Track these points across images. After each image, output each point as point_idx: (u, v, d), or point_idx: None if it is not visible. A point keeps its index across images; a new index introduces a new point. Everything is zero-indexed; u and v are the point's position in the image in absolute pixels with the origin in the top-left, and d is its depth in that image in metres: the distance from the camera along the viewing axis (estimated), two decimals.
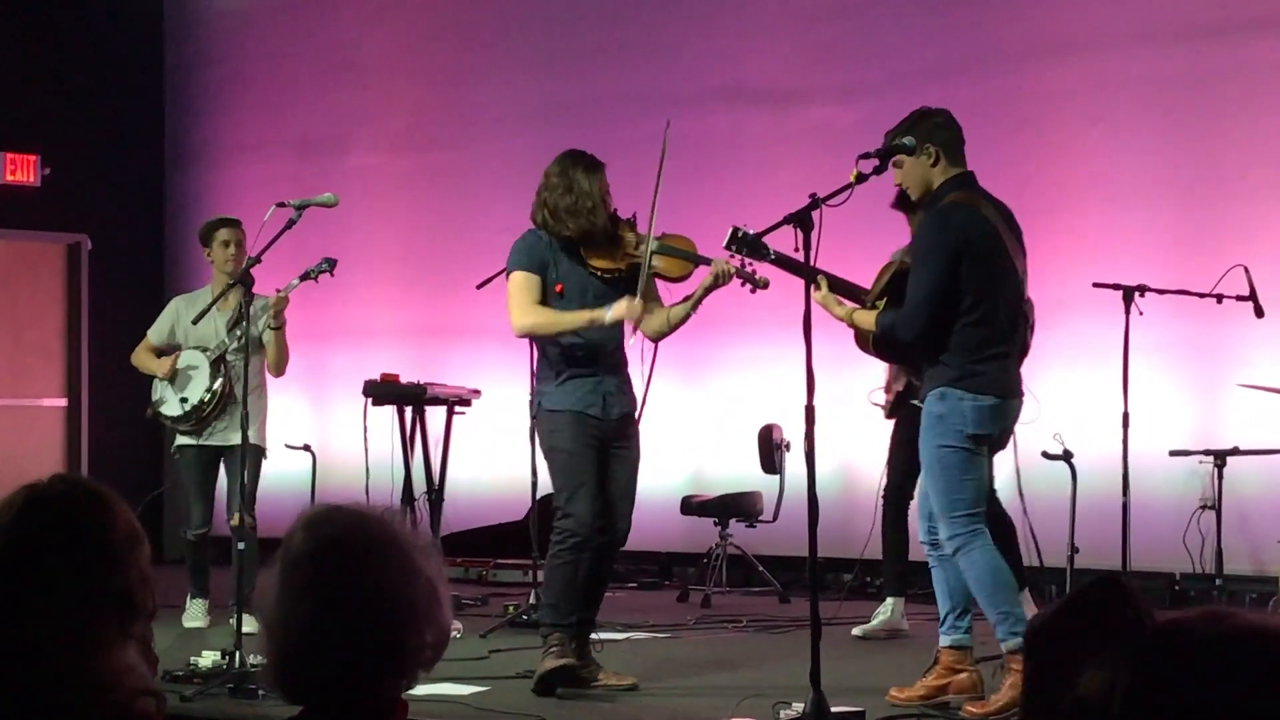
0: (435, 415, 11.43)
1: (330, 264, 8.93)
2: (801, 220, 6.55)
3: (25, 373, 13.91)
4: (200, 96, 14.82)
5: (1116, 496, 8.46)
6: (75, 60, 14.31)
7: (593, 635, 8.34)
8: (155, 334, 9.81)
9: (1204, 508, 9.64)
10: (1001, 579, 6.85)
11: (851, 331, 7.18)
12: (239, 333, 8.93)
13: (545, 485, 10.75)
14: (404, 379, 11.27)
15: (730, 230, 7.01)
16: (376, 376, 11.23)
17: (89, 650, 2.75)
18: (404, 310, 13.49)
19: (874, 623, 9.10)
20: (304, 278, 8.91)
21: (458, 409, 11.39)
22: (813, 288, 6.79)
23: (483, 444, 12.25)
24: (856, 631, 9.05)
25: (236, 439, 8.63)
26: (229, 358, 9.32)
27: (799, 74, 11.90)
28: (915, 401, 7.76)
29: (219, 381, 9.32)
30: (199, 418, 9.42)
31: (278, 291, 9.15)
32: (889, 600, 9.17)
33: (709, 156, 11.79)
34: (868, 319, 6.90)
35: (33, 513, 2.83)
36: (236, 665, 7.33)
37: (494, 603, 10.24)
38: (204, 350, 9.49)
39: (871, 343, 6.99)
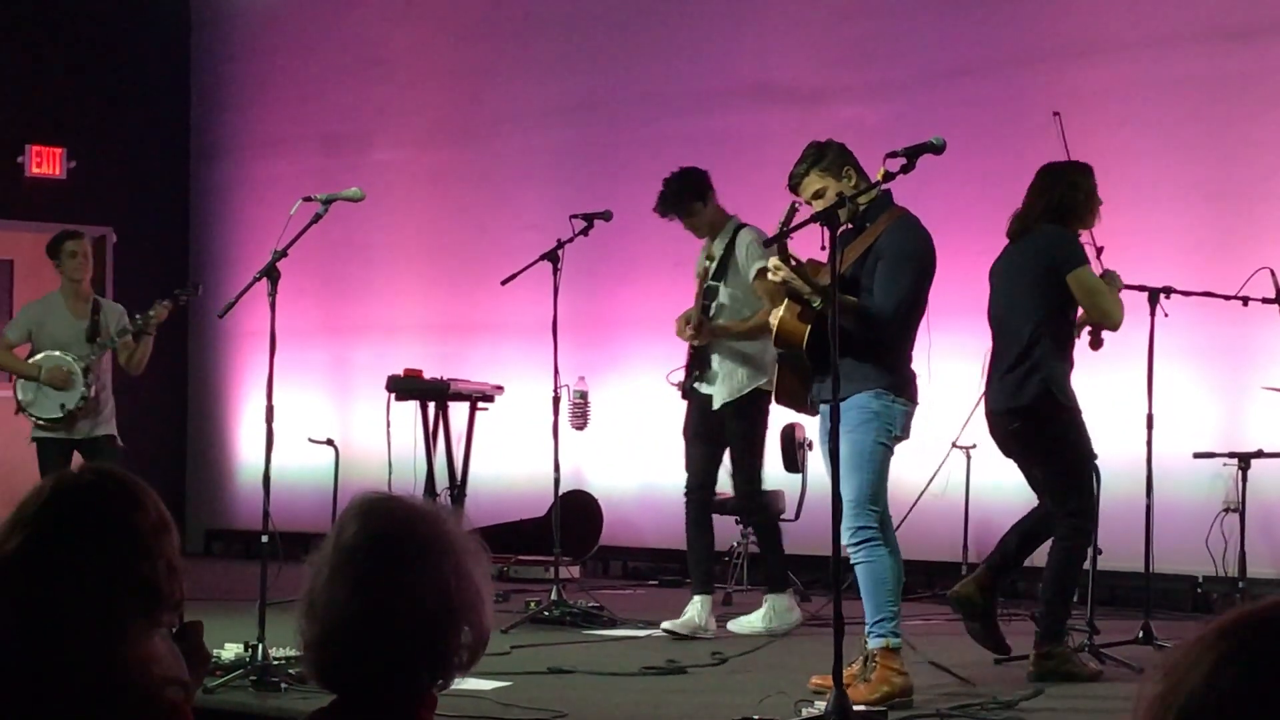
0: (458, 411, 11.42)
1: (196, 288, 10.23)
2: (829, 218, 6.57)
3: None
4: (226, 91, 14.84)
5: (1140, 498, 8.45)
6: (102, 54, 14.32)
7: (616, 633, 8.37)
8: (15, 335, 10.34)
9: (1227, 510, 9.61)
10: (898, 580, 7.02)
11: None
12: (101, 341, 10.00)
13: (568, 481, 10.77)
14: (427, 374, 11.28)
15: (790, 205, 6.96)
16: (400, 372, 11.23)
17: (115, 639, 2.75)
18: (428, 306, 13.49)
19: (683, 620, 9.05)
20: (174, 300, 9.93)
21: (480, 405, 11.38)
22: (779, 257, 6.79)
23: (505, 440, 12.24)
24: (666, 625, 9.02)
25: (99, 432, 10.07)
26: (92, 361, 10.08)
27: (825, 73, 11.88)
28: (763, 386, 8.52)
29: (91, 388, 10.06)
30: (71, 420, 10.08)
31: (159, 303, 9.87)
32: (697, 599, 9.12)
33: (734, 155, 11.77)
34: (849, 299, 6.84)
35: (59, 502, 2.83)
36: (260, 658, 7.32)
37: (516, 599, 10.22)
38: (70, 355, 10.05)
39: (827, 328, 6.73)
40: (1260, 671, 1.56)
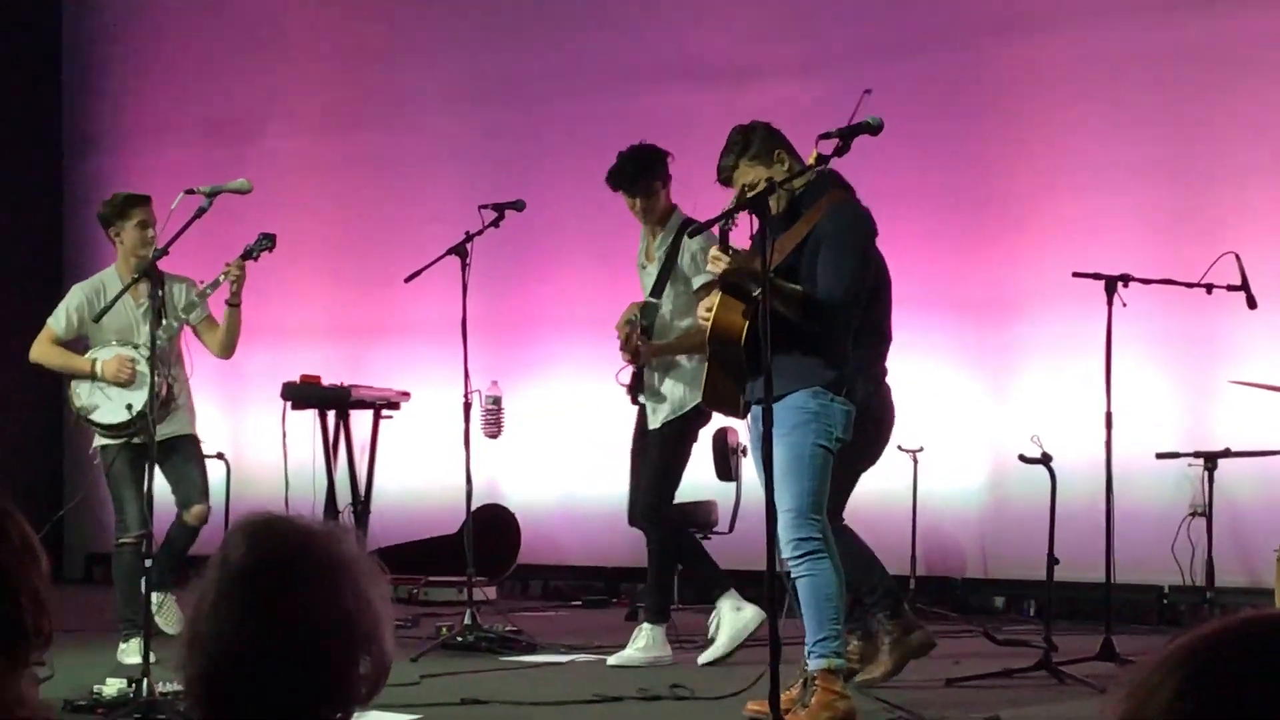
0: (361, 420, 11.37)
1: (270, 240, 8.81)
2: (758, 205, 6.56)
3: None
4: (102, 75, 14.72)
5: (1099, 503, 8.46)
6: None
7: (536, 659, 8.29)
8: (61, 326, 9.39)
9: (1194, 514, 9.67)
10: (841, 596, 7.00)
11: None
12: (168, 322, 8.89)
13: (482, 495, 10.74)
14: (326, 380, 11.21)
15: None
16: (296, 378, 11.16)
17: None
18: (326, 307, 13.42)
19: (631, 650, 9.02)
20: (246, 256, 8.83)
21: (385, 412, 11.33)
22: (720, 247, 6.78)
23: (413, 451, 12.19)
24: (612, 661, 8.97)
25: (176, 432, 9.15)
26: (160, 348, 8.93)
27: (754, 51, 11.88)
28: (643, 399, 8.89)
29: (161, 381, 8.83)
30: (144, 423, 8.86)
31: (227, 266, 8.88)
32: (647, 628, 9.12)
33: (659, 137, 11.72)
34: (794, 288, 6.81)
35: None
36: (145, 693, 7.25)
37: (425, 623, 10.18)
38: (132, 345, 9.22)
39: (769, 320, 6.73)
40: (1222, 700, 1.58)
